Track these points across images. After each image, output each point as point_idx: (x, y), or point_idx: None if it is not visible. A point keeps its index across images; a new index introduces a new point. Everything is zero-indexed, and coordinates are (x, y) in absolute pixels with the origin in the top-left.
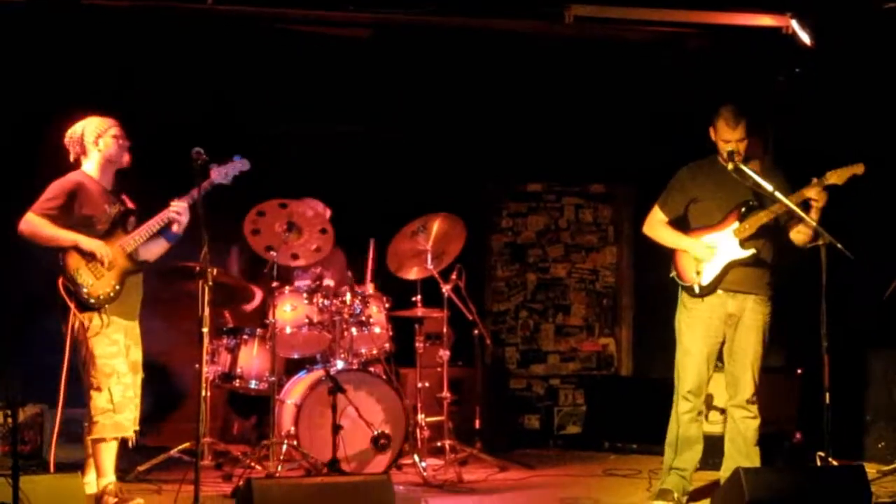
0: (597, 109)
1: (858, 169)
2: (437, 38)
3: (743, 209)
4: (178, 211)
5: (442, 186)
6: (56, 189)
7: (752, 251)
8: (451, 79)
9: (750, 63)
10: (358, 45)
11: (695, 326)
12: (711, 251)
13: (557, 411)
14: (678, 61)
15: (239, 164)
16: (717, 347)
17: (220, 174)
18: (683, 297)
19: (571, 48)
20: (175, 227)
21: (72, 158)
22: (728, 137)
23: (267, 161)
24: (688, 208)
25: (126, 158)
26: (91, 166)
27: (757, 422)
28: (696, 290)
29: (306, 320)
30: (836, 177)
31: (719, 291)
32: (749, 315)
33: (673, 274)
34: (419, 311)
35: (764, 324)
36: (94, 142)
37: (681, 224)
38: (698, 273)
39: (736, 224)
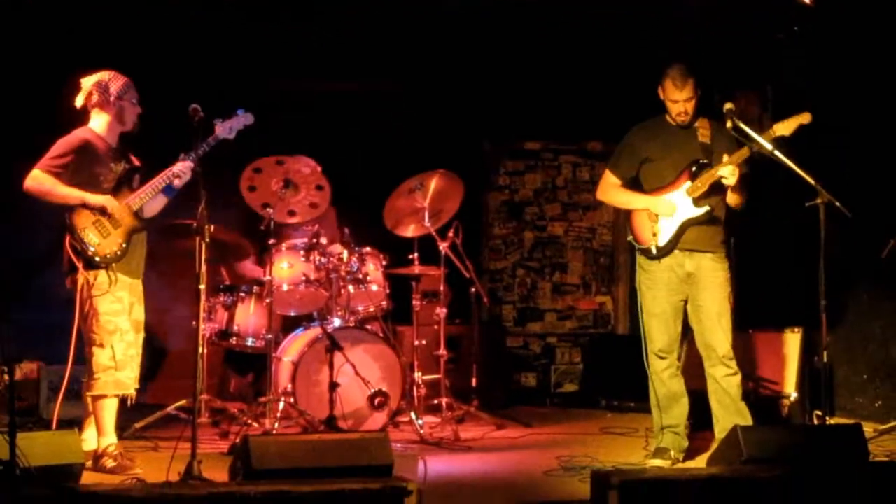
0: (594, 67)
1: (805, 118)
2: None
3: (694, 168)
4: (184, 170)
5: (439, 144)
6: (63, 146)
7: (706, 209)
8: (448, 36)
9: (749, 21)
10: (356, 3)
11: (655, 287)
12: (673, 207)
13: (554, 369)
14: (677, 18)
15: (243, 119)
16: (681, 305)
17: (225, 129)
18: (641, 259)
19: (569, 4)
20: (176, 182)
21: (80, 104)
22: (676, 97)
23: (261, 118)
24: (639, 170)
25: (136, 124)
26: (100, 123)
27: (738, 377)
28: (654, 251)
29: (303, 278)
30: (783, 128)
31: (675, 251)
32: (707, 273)
33: (630, 238)
34: (416, 269)
35: (724, 280)
36: (117, 99)
37: (633, 186)
38: (654, 234)
39: (688, 183)
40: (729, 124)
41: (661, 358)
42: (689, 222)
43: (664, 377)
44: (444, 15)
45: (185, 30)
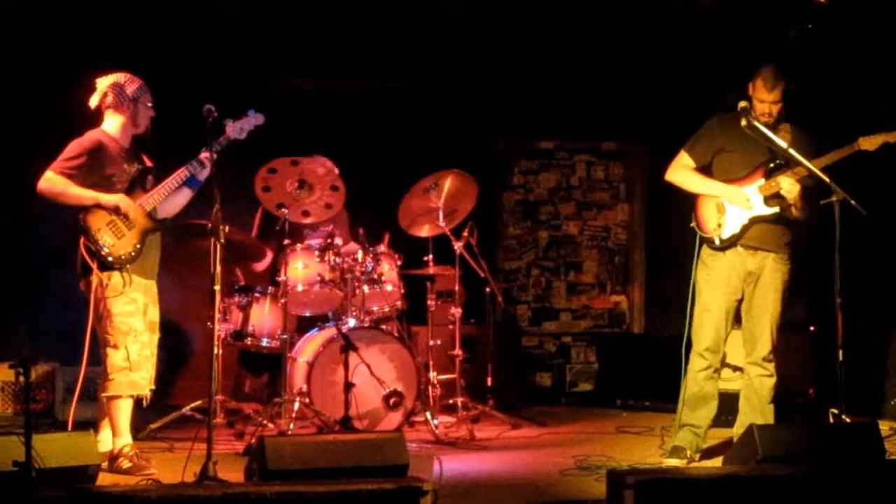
0: (609, 66)
1: (892, 137)
2: None
3: (771, 165)
4: (206, 159)
5: (454, 143)
6: (76, 148)
7: (775, 209)
8: (462, 35)
9: (762, 19)
10: (371, 1)
11: (714, 283)
12: (746, 199)
13: (569, 369)
14: (690, 17)
15: (254, 119)
16: (736, 304)
17: (236, 129)
18: (703, 253)
19: (583, 3)
20: (202, 175)
21: (94, 104)
22: (763, 98)
23: (275, 118)
24: (713, 158)
25: (148, 128)
26: (113, 124)
27: (773, 380)
28: (717, 242)
29: (318, 278)
30: (868, 143)
31: (739, 248)
32: (768, 273)
33: (693, 224)
34: (431, 269)
35: (783, 282)
36: (131, 101)
37: (704, 174)
38: (719, 226)
39: (762, 180)
40: (744, 122)
41: (703, 358)
42: (756, 220)
43: (699, 377)
44: (458, 14)
45: (195, 30)
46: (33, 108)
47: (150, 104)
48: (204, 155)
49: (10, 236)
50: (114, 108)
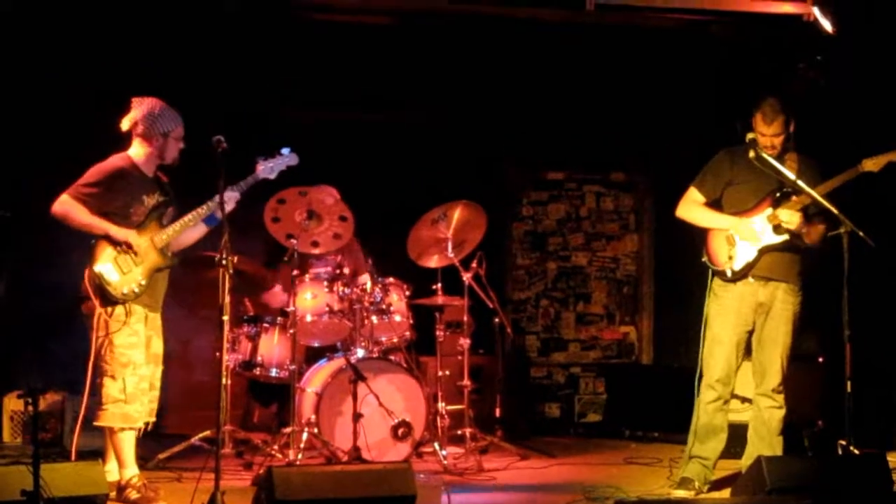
0: (618, 97)
1: (895, 156)
2: (459, 26)
3: (777, 195)
4: (229, 199)
5: (463, 174)
6: (96, 174)
7: (785, 237)
8: (472, 67)
9: (771, 51)
10: (379, 33)
11: (724, 314)
12: (754, 233)
13: (578, 399)
14: (700, 49)
15: (287, 159)
16: (746, 336)
17: (267, 169)
18: (714, 284)
19: (593, 36)
20: (219, 213)
21: (125, 128)
22: (763, 131)
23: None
24: (722, 192)
25: (176, 160)
26: (140, 152)
27: (782, 412)
28: (729, 274)
29: (327, 308)
30: (872, 164)
31: (750, 279)
32: (779, 305)
33: (704, 258)
34: (439, 300)
35: (794, 314)
36: (162, 133)
37: (714, 208)
38: (730, 258)
39: (770, 210)
40: (752, 154)
41: (713, 389)
42: (767, 249)
43: (709, 409)
44: (466, 46)
45: (207, 60)
46: (52, 132)
47: (180, 137)
48: (228, 194)
49: (19, 266)
50: (142, 138)
